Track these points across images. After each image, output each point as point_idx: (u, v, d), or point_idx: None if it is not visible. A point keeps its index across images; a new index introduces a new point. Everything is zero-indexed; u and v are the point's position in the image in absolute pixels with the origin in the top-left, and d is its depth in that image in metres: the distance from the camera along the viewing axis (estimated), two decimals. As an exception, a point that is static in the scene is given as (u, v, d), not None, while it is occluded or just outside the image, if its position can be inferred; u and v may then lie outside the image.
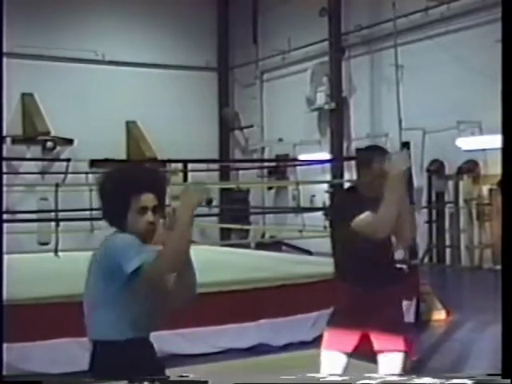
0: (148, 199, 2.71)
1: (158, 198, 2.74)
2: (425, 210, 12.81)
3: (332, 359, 3.78)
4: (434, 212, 13.03)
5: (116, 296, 2.64)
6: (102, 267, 2.64)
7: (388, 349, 3.77)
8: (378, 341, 3.80)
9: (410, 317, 7.46)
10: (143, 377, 2.51)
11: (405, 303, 7.42)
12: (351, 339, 3.79)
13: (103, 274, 2.63)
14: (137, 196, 2.69)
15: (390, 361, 3.75)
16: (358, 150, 4.06)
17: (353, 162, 4.41)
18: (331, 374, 3.30)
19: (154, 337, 2.77)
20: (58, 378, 5.02)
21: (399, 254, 11.56)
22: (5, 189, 10.66)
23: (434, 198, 13.07)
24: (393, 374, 3.57)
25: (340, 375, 3.51)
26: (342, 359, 3.77)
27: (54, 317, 5.68)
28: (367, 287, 3.80)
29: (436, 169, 12.82)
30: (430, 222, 12.93)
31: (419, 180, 12.17)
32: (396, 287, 3.94)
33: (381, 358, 3.79)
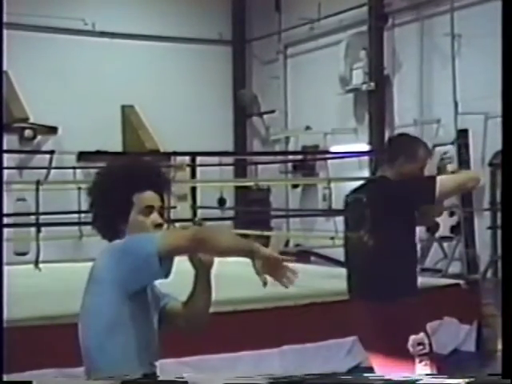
0: (154, 198, 2.77)
1: (162, 198, 2.82)
2: (487, 213, 12.72)
3: None
4: (498, 215, 12.95)
5: (131, 316, 2.68)
6: (111, 282, 2.63)
7: None
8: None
9: (469, 345, 7.43)
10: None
11: (464, 328, 7.43)
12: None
13: (114, 292, 2.64)
14: (140, 194, 2.75)
15: None
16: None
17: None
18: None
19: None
20: (50, 379, 5.09)
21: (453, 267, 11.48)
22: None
23: (498, 198, 12.98)
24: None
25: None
26: None
27: (36, 342, 5.72)
28: (375, 300, 3.75)
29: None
30: (494, 227, 12.84)
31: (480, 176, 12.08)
32: (412, 300, 3.82)
33: None
